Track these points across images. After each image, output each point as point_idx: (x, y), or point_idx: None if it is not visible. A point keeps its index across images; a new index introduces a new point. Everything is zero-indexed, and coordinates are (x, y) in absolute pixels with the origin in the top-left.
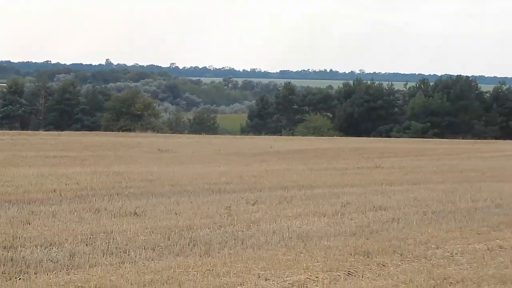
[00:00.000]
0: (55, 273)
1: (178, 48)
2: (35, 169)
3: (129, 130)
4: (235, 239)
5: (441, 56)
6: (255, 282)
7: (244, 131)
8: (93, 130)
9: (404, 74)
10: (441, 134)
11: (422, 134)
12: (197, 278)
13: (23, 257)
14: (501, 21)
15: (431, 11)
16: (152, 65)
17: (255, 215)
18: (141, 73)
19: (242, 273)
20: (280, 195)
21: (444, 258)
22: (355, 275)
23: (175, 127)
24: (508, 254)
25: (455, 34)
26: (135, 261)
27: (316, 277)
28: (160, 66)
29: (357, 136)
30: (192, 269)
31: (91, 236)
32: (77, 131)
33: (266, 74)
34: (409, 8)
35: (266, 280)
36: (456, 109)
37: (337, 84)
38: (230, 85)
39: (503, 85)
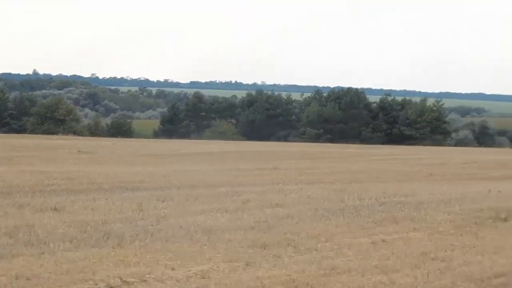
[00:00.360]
0: None
1: (99, 60)
2: None
3: (53, 133)
4: (145, 233)
5: (334, 70)
6: (162, 272)
7: (156, 135)
8: (20, 133)
9: (301, 85)
10: (333, 139)
11: (316, 139)
12: (110, 268)
13: None
14: (387, 40)
15: (323, 29)
16: (75, 75)
17: (164, 211)
18: (64, 82)
19: (151, 263)
20: (187, 193)
21: (333, 251)
22: (253, 266)
23: (94, 131)
24: (390, 247)
25: (347, 50)
26: (54, 252)
27: (218, 267)
28: (82, 76)
29: (258, 141)
30: (106, 259)
31: (14, 229)
32: (5, 134)
33: (177, 84)
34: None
35: (172, 269)
36: (347, 117)
37: (241, 94)
38: (145, 93)
39: (388, 96)
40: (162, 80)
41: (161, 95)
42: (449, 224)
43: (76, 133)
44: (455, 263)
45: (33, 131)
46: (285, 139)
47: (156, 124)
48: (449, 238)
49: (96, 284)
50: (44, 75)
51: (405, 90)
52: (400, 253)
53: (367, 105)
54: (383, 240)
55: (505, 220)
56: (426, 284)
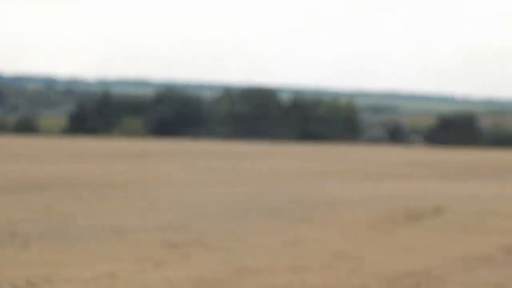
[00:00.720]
0: None
1: (5, 57)
2: None
3: None
4: (52, 233)
5: (246, 68)
6: (69, 272)
7: (64, 133)
8: None
9: (212, 83)
10: (244, 137)
11: (228, 137)
12: (15, 269)
13: None
14: (299, 38)
15: None
16: None
17: (71, 210)
18: None
19: (57, 264)
20: (96, 193)
21: (244, 250)
22: (162, 265)
23: (0, 129)
24: (302, 246)
25: (259, 48)
26: None
27: (126, 267)
28: None
29: (169, 138)
30: (11, 260)
31: None
32: None
33: (86, 81)
34: None
35: (79, 270)
36: (258, 115)
37: (151, 92)
38: (52, 91)
39: (301, 95)
40: (70, 77)
41: (69, 92)
42: (362, 223)
43: None
44: (367, 262)
45: None
46: (196, 137)
47: (63, 121)
48: (362, 237)
49: (0, 286)
50: None
51: (317, 88)
52: (312, 252)
53: (279, 103)
54: (295, 240)
55: (418, 219)
56: (338, 284)
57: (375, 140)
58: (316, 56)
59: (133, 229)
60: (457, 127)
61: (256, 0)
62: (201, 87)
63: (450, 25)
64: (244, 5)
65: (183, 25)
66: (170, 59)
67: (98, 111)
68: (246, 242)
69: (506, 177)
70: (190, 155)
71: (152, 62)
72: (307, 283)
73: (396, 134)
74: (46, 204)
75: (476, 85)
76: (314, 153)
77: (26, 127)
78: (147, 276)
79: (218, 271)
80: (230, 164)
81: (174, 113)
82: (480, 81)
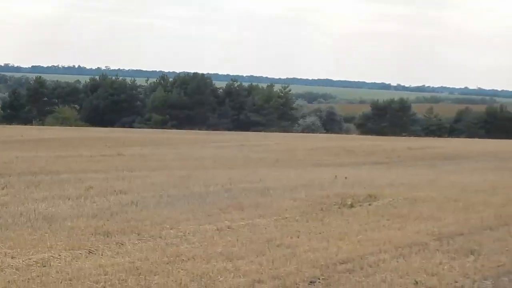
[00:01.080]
0: None
1: None
2: None
3: None
4: None
5: (180, 55)
6: (1, 260)
7: None
8: None
9: (146, 71)
10: (179, 125)
11: (162, 125)
12: None
13: None
14: (234, 25)
15: (171, 14)
16: None
17: (4, 198)
18: None
19: None
20: (29, 180)
21: (178, 238)
22: (95, 253)
23: None
24: (235, 233)
25: (192, 35)
26: None
27: (59, 255)
28: None
29: (102, 127)
30: None
31: None
32: None
33: (18, 69)
34: (150, 10)
35: (12, 258)
36: (193, 103)
37: (84, 79)
38: None
39: (235, 82)
40: (2, 64)
41: (1, 79)
42: (295, 210)
43: None
44: (301, 249)
45: None
46: (130, 125)
47: None
48: (295, 225)
49: None
50: None
51: (252, 76)
52: (246, 240)
53: (214, 90)
54: (229, 227)
55: (351, 206)
56: (271, 271)
57: (309, 127)
58: (251, 43)
59: (65, 217)
60: (391, 115)
61: None
62: (135, 73)
63: None
64: None
65: (115, 12)
66: (104, 46)
67: (32, 99)
68: (179, 229)
69: (438, 165)
70: (122, 143)
71: (86, 49)
72: (241, 270)
73: (330, 122)
74: None
75: (409, 73)
76: (248, 139)
77: None
78: (80, 264)
79: (151, 259)
80: (162, 151)
81: (108, 100)
82: (413, 70)
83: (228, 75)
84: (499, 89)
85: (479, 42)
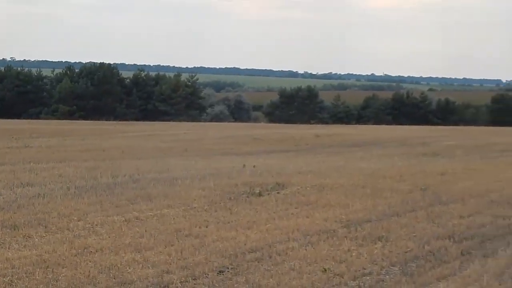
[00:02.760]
0: None
1: None
2: None
3: None
4: None
5: (86, 45)
6: None
7: None
8: None
9: (52, 61)
10: (87, 116)
11: (69, 116)
12: None
13: None
14: (140, 14)
15: (76, 3)
16: None
17: None
18: None
19: None
20: None
21: (85, 229)
22: (2, 247)
23: None
24: (144, 224)
25: (99, 25)
26: None
27: None
28: None
29: (8, 119)
30: None
31: None
32: None
33: None
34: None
35: None
36: (100, 93)
37: None
38: None
39: (142, 72)
40: None
41: None
42: (204, 200)
43: None
44: (209, 239)
45: None
46: (36, 116)
47: None
48: (204, 214)
49: None
50: None
51: (159, 65)
52: (154, 231)
53: (121, 80)
54: (137, 218)
55: (259, 195)
56: (180, 261)
57: (217, 116)
58: (157, 32)
59: None
60: (298, 103)
61: None
62: (41, 63)
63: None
64: None
65: (19, 2)
66: (9, 37)
67: None
68: (87, 221)
69: (346, 152)
70: (29, 135)
71: None
72: (149, 261)
73: (238, 111)
74: None
75: (316, 61)
76: (156, 129)
77: None
78: None
79: (59, 251)
80: (69, 142)
81: (14, 92)
82: (320, 57)
83: (135, 64)
84: (405, 75)
85: (385, 29)
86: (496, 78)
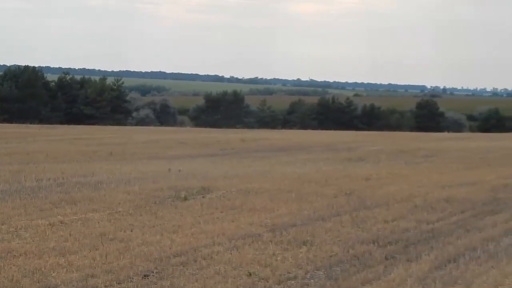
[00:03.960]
0: None
1: None
2: None
3: None
4: None
5: (10, 48)
6: None
7: None
8: None
9: None
10: (11, 119)
11: None
12: None
13: None
14: (63, 18)
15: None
16: None
17: None
18: None
19: None
20: None
21: (9, 233)
22: None
23: None
24: (68, 228)
25: (23, 27)
26: None
27: None
28: None
29: None
30: None
31: None
32: None
33: None
34: None
35: None
36: (24, 97)
37: None
38: None
39: (67, 75)
40: None
41: None
42: (129, 204)
43: None
44: (134, 243)
45: None
46: None
47: None
48: (129, 218)
49: None
50: None
51: (84, 69)
52: (78, 235)
53: (46, 84)
54: (61, 222)
55: (185, 199)
56: (105, 265)
57: (143, 120)
58: (83, 35)
59: None
60: (224, 107)
61: None
62: None
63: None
64: None
65: None
66: None
67: None
68: (11, 224)
69: (271, 156)
70: None
71: None
72: (73, 265)
73: (164, 115)
74: None
75: (242, 65)
76: (81, 133)
77: None
78: None
79: None
80: None
81: None
82: (246, 62)
83: (60, 68)
84: (331, 80)
85: (311, 34)
86: (421, 84)
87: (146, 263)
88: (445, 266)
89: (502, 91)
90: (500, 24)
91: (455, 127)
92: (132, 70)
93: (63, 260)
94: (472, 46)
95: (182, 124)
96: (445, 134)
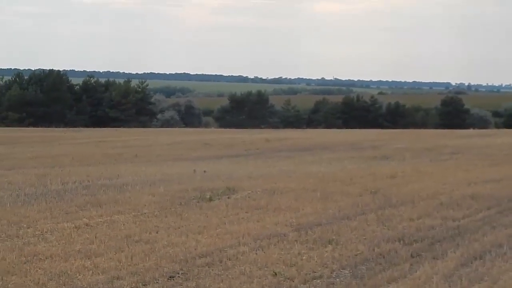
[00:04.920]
0: None
1: None
2: None
3: None
4: None
5: (34, 52)
6: None
7: None
8: None
9: (1, 68)
10: (36, 123)
11: (19, 123)
12: None
13: None
14: (86, 22)
15: (23, 10)
16: None
17: None
18: None
19: None
20: None
21: (35, 237)
22: None
23: None
24: (94, 231)
25: (46, 31)
26: None
27: None
28: None
29: None
30: None
31: None
32: None
33: None
34: (0, 8)
35: None
36: (49, 100)
37: None
38: None
39: (92, 78)
40: None
41: None
42: (154, 205)
43: None
44: (160, 245)
45: None
46: None
47: None
48: (154, 220)
49: None
50: None
51: (108, 71)
52: (104, 237)
53: (70, 87)
54: (87, 224)
55: (210, 200)
56: (130, 267)
57: (168, 122)
58: (106, 38)
59: None
60: (249, 108)
61: None
62: None
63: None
64: None
65: None
66: None
67: None
68: (36, 228)
69: (296, 156)
70: None
71: None
72: (99, 268)
73: (188, 116)
74: None
75: (266, 65)
76: (107, 136)
77: None
78: None
79: (8, 259)
80: (18, 150)
81: None
82: (270, 62)
83: (84, 71)
84: (355, 79)
85: (335, 33)
86: (445, 81)
87: (171, 264)
88: (471, 263)
89: None
90: None
91: (481, 123)
92: (156, 72)
93: (89, 262)
94: (497, 42)
95: (207, 125)
96: (470, 131)
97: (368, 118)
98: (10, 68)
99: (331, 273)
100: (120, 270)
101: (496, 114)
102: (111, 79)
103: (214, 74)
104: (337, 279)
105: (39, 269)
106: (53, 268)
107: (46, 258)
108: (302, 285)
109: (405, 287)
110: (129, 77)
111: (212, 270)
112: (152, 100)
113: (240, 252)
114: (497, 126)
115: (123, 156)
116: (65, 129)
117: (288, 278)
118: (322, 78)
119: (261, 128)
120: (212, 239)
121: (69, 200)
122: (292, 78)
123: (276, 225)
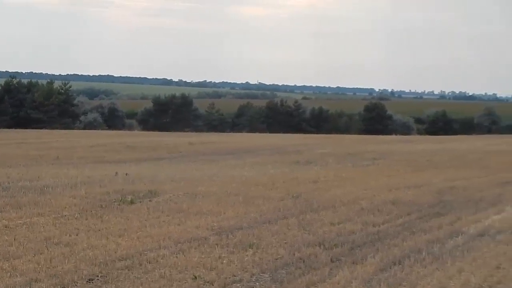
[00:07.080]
0: None
1: None
2: None
3: None
4: None
5: None
6: None
7: None
8: None
9: None
10: None
11: None
12: None
13: None
14: (9, 21)
15: None
16: None
17: None
18: None
19: None
20: None
21: None
22: None
23: None
24: (13, 232)
25: None
26: None
27: None
28: None
29: None
30: None
31: None
32: None
33: None
34: None
35: None
36: None
37: None
38: None
39: (14, 79)
40: None
41: None
42: (74, 208)
43: None
44: (79, 247)
45: None
46: None
47: None
48: (74, 222)
49: None
50: None
51: (31, 72)
52: (23, 239)
53: None
54: (6, 226)
55: (131, 203)
56: (49, 269)
57: (91, 124)
58: (30, 39)
59: None
60: (173, 111)
61: None
62: None
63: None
64: None
65: None
66: None
67: None
68: None
69: (219, 159)
70: None
71: None
72: (17, 270)
73: (112, 118)
74: None
75: (191, 69)
76: (28, 137)
77: None
78: None
79: None
80: None
81: None
82: (194, 65)
83: (7, 71)
84: (280, 83)
85: (260, 37)
86: (369, 87)
87: (91, 267)
88: (390, 268)
89: (450, 94)
90: (446, 29)
91: (403, 129)
92: (80, 74)
93: (7, 264)
94: (420, 50)
95: (130, 127)
96: (392, 137)
97: (292, 122)
98: None
99: (251, 277)
100: (39, 272)
101: (418, 120)
102: (34, 80)
103: (138, 76)
104: (257, 283)
105: None
106: None
107: None
108: None
109: None
110: (52, 78)
111: (132, 273)
112: (75, 102)
113: (161, 255)
114: (420, 132)
115: (45, 158)
116: None
117: (208, 282)
118: (247, 82)
119: (185, 131)
120: (133, 242)
121: None
122: (217, 81)
123: (197, 229)
